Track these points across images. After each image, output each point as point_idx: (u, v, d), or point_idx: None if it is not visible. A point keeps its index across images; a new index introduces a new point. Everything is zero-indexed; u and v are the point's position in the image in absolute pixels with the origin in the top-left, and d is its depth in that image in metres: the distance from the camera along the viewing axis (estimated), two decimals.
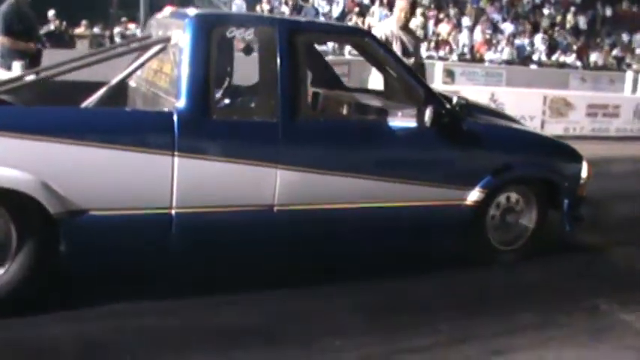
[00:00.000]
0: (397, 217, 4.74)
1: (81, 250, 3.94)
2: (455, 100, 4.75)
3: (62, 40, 16.18)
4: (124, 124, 4.00)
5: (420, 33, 20.69)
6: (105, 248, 4.01)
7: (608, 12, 26.39)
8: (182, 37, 4.11)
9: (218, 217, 4.15)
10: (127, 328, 3.79)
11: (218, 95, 4.24)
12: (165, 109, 4.07)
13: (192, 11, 4.42)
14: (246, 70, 5.16)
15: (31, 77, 4.81)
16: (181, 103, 3.99)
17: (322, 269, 4.77)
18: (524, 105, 12.38)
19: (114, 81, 4.36)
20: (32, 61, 7.17)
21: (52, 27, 16.21)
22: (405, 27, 6.40)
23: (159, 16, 5.03)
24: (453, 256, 5.24)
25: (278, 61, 4.23)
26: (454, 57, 20.18)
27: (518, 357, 3.89)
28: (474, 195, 4.91)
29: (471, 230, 5.07)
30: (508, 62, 20.70)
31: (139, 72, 4.67)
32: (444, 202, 4.85)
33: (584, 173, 5.47)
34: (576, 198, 5.45)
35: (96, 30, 17.68)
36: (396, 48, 6.29)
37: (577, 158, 5.51)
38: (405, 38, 5.23)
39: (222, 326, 3.91)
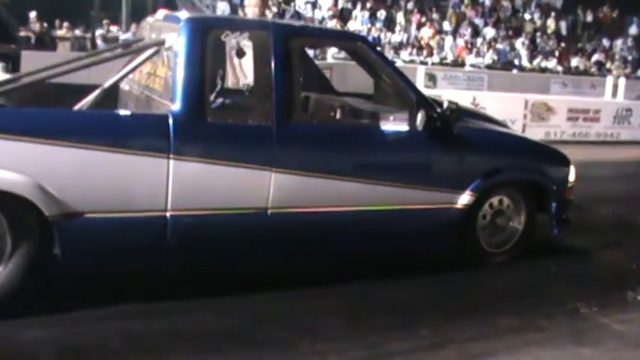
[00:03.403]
0: (388, 220, 4.77)
1: (75, 253, 3.92)
2: (446, 104, 4.78)
3: (43, 42, 16.07)
4: (119, 126, 3.99)
5: (403, 36, 20.88)
6: (100, 251, 3.99)
7: (589, 17, 26.61)
8: (177, 41, 4.12)
9: (212, 220, 4.16)
10: (108, 332, 3.77)
11: (212, 98, 4.25)
12: (160, 112, 4.08)
13: (185, 14, 4.41)
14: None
15: (24, 79, 4.77)
16: (176, 106, 3.99)
17: (303, 272, 4.79)
18: (505, 109, 12.44)
19: (107, 84, 4.35)
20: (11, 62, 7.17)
21: (33, 29, 16.10)
22: None
23: (151, 19, 5.03)
24: (434, 259, 5.26)
25: (272, 64, 4.25)
26: (436, 60, 20.27)
27: None
28: (464, 198, 4.95)
29: (461, 233, 5.10)
30: (490, 67, 20.81)
31: (131, 75, 4.67)
32: (434, 205, 4.88)
33: (571, 177, 5.54)
34: (564, 201, 5.52)
35: (77, 32, 17.58)
36: None
37: (565, 162, 5.58)
38: None
39: (203, 330, 3.91)
